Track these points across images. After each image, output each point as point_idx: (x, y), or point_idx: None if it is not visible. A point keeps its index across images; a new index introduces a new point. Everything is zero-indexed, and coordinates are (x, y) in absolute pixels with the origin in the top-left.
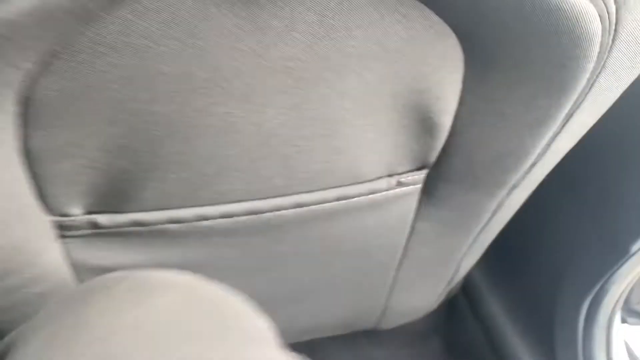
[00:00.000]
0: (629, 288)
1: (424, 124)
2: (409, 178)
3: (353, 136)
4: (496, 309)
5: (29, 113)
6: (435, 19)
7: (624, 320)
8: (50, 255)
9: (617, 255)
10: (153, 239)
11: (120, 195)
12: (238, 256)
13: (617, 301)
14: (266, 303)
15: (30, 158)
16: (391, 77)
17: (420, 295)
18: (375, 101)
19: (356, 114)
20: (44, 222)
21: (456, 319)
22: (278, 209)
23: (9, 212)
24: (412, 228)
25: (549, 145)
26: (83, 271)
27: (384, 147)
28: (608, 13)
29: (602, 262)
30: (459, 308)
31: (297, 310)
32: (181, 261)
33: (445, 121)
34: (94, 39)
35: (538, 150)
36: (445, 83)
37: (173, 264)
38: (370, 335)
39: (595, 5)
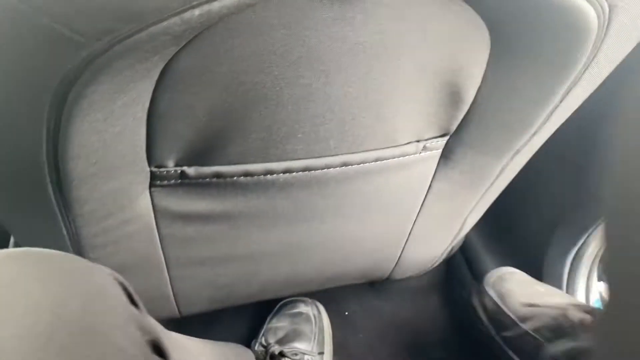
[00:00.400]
0: None
1: (453, 96)
2: (433, 143)
3: (396, 105)
4: (490, 267)
5: (164, 80)
6: (471, 12)
7: (600, 279)
8: (142, 202)
9: (598, 214)
10: (225, 190)
11: (208, 151)
12: (289, 207)
13: (597, 254)
14: (306, 250)
15: (153, 116)
16: (435, 58)
17: (430, 248)
18: (420, 77)
19: (404, 86)
20: (145, 172)
21: (455, 277)
22: (328, 167)
23: (126, 160)
24: (430, 187)
25: (549, 116)
26: (163, 216)
27: (417, 116)
28: (603, 13)
29: (585, 219)
30: (457, 266)
31: (328, 258)
32: (244, 209)
33: (470, 95)
34: (225, 26)
35: (540, 120)
36: (474, 63)
37: (237, 211)
38: (376, 289)
39: (595, 9)
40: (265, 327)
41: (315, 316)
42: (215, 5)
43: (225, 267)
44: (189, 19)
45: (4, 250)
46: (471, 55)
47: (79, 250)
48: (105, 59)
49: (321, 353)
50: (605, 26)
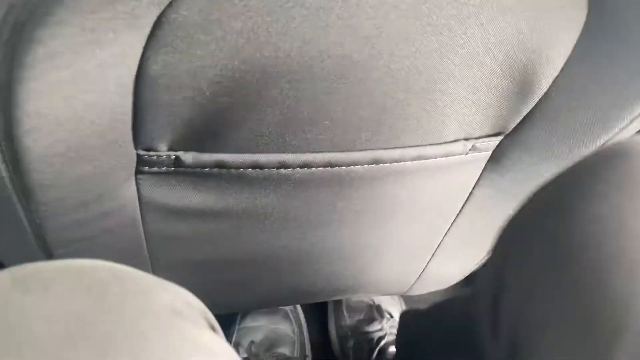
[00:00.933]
0: None
1: (522, 86)
2: (484, 143)
3: (448, 93)
4: None
5: (158, 34)
6: None
7: None
8: (126, 191)
9: None
10: (228, 183)
11: (210, 134)
12: (303, 208)
13: None
14: (317, 258)
15: (142, 84)
16: (508, 31)
17: (459, 263)
18: (484, 59)
19: (462, 69)
20: (130, 155)
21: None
22: (355, 164)
23: (106, 139)
24: (471, 194)
25: (633, 121)
26: (150, 210)
27: (471, 107)
28: None
29: None
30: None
31: (341, 268)
32: (249, 207)
33: (543, 85)
34: None
35: (620, 126)
36: (558, 44)
37: (241, 208)
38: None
39: None
40: (236, 327)
41: (292, 312)
42: None
43: (221, 273)
44: None
45: None
46: (556, 31)
47: (44, 246)
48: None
49: (307, 356)
50: None
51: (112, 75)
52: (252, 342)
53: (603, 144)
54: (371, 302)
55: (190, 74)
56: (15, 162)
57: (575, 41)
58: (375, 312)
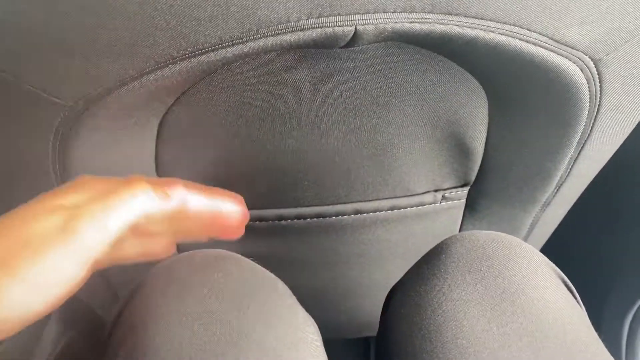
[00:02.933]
0: None
1: (460, 148)
2: (453, 193)
3: (400, 156)
4: None
5: (162, 131)
6: (462, 70)
7: None
8: None
9: None
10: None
11: None
12: (308, 252)
13: None
14: (334, 296)
15: (160, 166)
16: (427, 110)
17: None
18: (415, 129)
19: (401, 138)
20: None
21: None
22: (341, 214)
23: None
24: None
25: (569, 169)
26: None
27: (429, 166)
28: (587, 67)
29: None
30: None
31: (360, 304)
32: (265, 252)
33: (478, 146)
34: (210, 82)
35: (560, 173)
36: (473, 115)
37: (258, 254)
38: None
39: (576, 64)
40: None
41: None
42: (167, 71)
43: None
44: (147, 82)
45: None
46: (467, 107)
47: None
48: (87, 117)
49: None
50: (596, 79)
51: (137, 162)
52: None
53: (556, 190)
54: None
55: (191, 158)
56: None
57: (487, 112)
58: None
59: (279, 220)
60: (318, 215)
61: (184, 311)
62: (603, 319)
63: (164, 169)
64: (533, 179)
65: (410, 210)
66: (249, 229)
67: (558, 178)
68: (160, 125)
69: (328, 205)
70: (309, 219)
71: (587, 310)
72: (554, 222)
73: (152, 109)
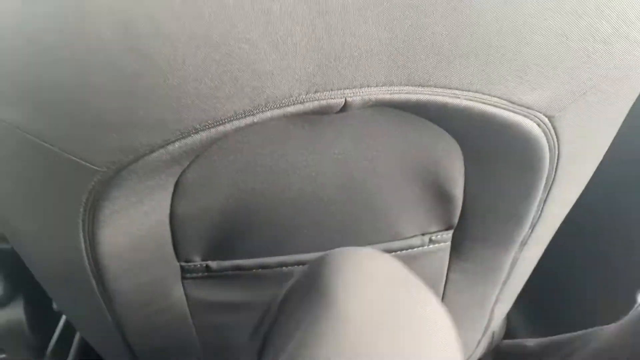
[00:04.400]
0: None
1: (443, 194)
2: (439, 236)
3: (390, 203)
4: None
5: (177, 189)
6: (438, 128)
7: None
8: (176, 292)
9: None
10: (248, 281)
11: (226, 246)
12: None
13: None
14: None
15: (175, 219)
16: (411, 162)
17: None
18: (401, 177)
19: (389, 187)
20: (174, 266)
21: None
22: None
23: (155, 256)
24: (447, 278)
25: (540, 210)
26: (196, 305)
27: (416, 211)
28: (543, 123)
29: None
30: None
31: None
32: (263, 299)
33: (458, 193)
34: (220, 146)
35: (532, 214)
36: (451, 166)
37: (260, 301)
38: None
39: (532, 120)
40: None
41: None
42: (190, 140)
43: None
44: (172, 150)
45: None
46: (447, 162)
47: (122, 333)
48: (117, 180)
49: None
50: (553, 133)
51: (153, 218)
52: None
53: (530, 230)
54: None
55: (203, 211)
56: (101, 278)
57: (463, 163)
58: None
59: (280, 267)
60: None
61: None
62: None
63: (177, 223)
64: (509, 220)
65: (401, 254)
66: (254, 275)
67: (531, 219)
68: (176, 184)
69: (325, 251)
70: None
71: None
72: (532, 261)
73: (172, 171)
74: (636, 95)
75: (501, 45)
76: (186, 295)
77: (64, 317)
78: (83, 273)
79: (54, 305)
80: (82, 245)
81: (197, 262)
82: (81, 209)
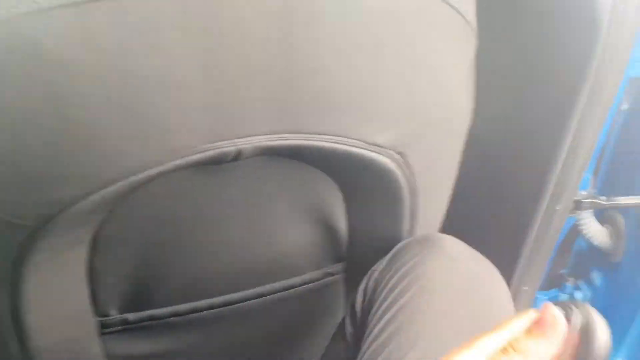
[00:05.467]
0: None
1: (330, 230)
2: (333, 268)
3: (287, 241)
4: None
5: (94, 244)
6: (323, 174)
7: None
8: (94, 348)
9: None
10: (162, 330)
11: (141, 297)
12: (223, 339)
13: None
14: None
15: (92, 274)
16: (301, 201)
17: None
18: (294, 217)
19: (285, 226)
20: (92, 321)
21: None
22: (243, 300)
23: (75, 312)
24: (346, 305)
25: (412, 233)
26: (116, 358)
27: (311, 247)
28: (395, 158)
29: None
30: None
31: None
32: (182, 347)
33: (342, 227)
34: (127, 203)
35: (404, 237)
36: (334, 204)
37: (176, 348)
38: None
39: (386, 156)
40: None
41: None
42: (108, 190)
43: None
44: (93, 200)
45: None
46: (330, 200)
47: None
48: (42, 233)
49: None
50: (405, 167)
51: (72, 271)
52: None
53: None
54: None
55: (121, 264)
56: (21, 335)
57: (343, 201)
58: None
59: (191, 314)
60: (227, 303)
61: None
62: None
63: (94, 277)
64: (388, 246)
65: (300, 289)
66: (166, 325)
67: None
68: (93, 239)
69: (235, 292)
70: (217, 308)
71: None
72: None
73: (90, 226)
74: (464, 132)
75: (356, 98)
76: (105, 350)
77: None
78: (6, 332)
79: None
80: (7, 300)
81: (115, 315)
82: (9, 265)
